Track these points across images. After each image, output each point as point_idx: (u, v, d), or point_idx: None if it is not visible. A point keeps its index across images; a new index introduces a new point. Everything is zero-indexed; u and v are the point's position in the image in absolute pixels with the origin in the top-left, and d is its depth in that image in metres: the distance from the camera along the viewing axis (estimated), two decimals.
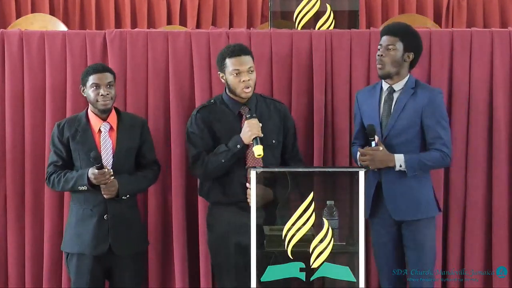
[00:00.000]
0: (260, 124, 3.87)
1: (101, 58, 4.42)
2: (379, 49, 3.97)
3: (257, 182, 3.50)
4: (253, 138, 3.83)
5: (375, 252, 4.11)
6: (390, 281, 4.04)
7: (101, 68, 4.01)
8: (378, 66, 3.95)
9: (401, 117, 3.93)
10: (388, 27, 4.04)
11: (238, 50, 3.94)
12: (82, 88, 4.02)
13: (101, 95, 3.92)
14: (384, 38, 3.96)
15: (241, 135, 3.88)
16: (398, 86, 3.98)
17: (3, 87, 4.44)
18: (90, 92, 3.95)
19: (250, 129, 3.84)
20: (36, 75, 4.43)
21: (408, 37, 3.97)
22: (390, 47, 3.93)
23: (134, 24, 5.92)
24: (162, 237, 4.44)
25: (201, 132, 3.96)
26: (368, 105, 4.03)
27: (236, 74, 3.90)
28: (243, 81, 3.89)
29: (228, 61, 3.92)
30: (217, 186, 3.96)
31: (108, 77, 3.97)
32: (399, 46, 3.93)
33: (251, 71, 3.92)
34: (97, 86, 3.93)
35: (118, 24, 5.91)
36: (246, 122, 3.88)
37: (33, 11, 5.86)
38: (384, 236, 3.98)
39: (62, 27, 5.33)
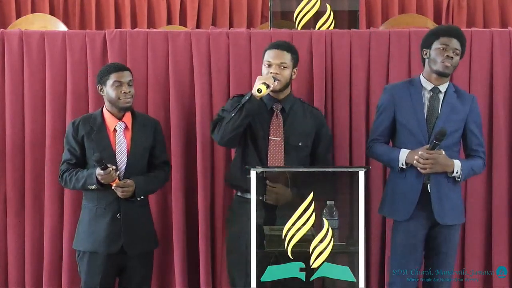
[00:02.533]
0: (273, 79, 3.84)
1: (101, 58, 4.42)
2: (444, 49, 3.84)
3: (279, 181, 3.56)
4: (261, 83, 3.79)
5: (399, 253, 3.95)
6: (409, 282, 3.95)
7: (122, 67, 4.02)
8: (447, 64, 3.84)
9: (450, 119, 3.88)
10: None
11: (276, 44, 3.99)
12: (99, 87, 4.00)
13: (124, 92, 3.92)
14: (452, 40, 3.86)
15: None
16: (443, 87, 3.93)
17: (3, 87, 4.44)
18: (111, 91, 3.94)
19: (259, 78, 3.84)
20: (36, 75, 4.43)
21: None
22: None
23: (134, 24, 5.92)
24: (162, 237, 4.43)
25: (232, 109, 3.92)
26: (409, 103, 3.92)
27: (267, 65, 3.93)
28: (271, 72, 3.90)
29: (266, 53, 3.96)
30: (241, 175, 3.91)
31: (129, 75, 3.98)
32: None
33: (284, 67, 3.92)
34: (119, 84, 3.93)
35: (118, 24, 5.91)
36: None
37: (33, 11, 5.86)
38: (414, 238, 3.90)
39: (62, 27, 5.32)
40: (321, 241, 3.50)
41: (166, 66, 4.44)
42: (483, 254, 4.43)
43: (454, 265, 4.03)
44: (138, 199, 3.94)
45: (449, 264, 3.97)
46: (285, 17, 4.75)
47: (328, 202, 3.56)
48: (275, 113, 3.96)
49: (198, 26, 5.92)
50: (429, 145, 3.80)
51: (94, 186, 3.87)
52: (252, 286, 3.47)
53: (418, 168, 3.81)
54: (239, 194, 4.00)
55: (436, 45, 3.88)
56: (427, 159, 3.78)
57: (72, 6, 5.95)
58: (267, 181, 3.70)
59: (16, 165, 4.44)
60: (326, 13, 4.63)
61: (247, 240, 3.76)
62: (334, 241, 3.51)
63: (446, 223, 3.88)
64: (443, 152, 3.80)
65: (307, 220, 3.50)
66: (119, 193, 3.87)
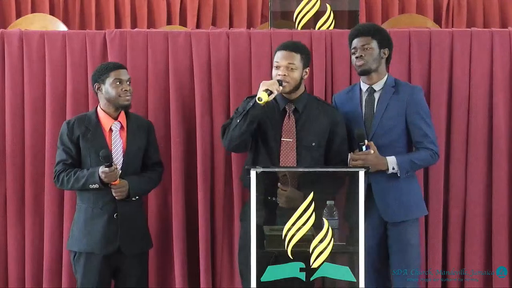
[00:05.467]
0: (277, 83, 3.81)
1: (101, 58, 4.42)
2: (354, 53, 3.93)
3: (290, 184, 3.56)
4: (264, 90, 3.77)
5: None
6: (373, 281, 3.98)
7: (121, 65, 4.03)
8: (358, 63, 3.90)
9: (385, 117, 3.90)
10: (357, 30, 4.00)
11: (284, 45, 3.95)
12: (97, 86, 3.97)
13: (125, 90, 3.92)
14: (356, 40, 3.93)
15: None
16: (378, 86, 3.96)
17: (3, 87, 4.44)
18: (111, 88, 3.92)
19: (263, 83, 3.81)
20: (36, 75, 4.43)
21: (379, 34, 3.96)
22: (365, 46, 3.91)
23: (134, 24, 5.92)
24: (162, 237, 4.44)
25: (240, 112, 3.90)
26: (349, 107, 3.99)
27: (276, 67, 3.90)
28: (279, 75, 3.87)
29: (275, 54, 3.94)
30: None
31: (127, 73, 3.99)
32: (374, 44, 3.92)
33: (292, 69, 3.88)
34: (120, 81, 3.92)
35: (118, 24, 5.91)
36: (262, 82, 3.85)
37: (33, 11, 5.86)
38: (371, 238, 3.87)
39: (62, 27, 5.33)
40: (321, 241, 3.50)
41: (166, 66, 4.44)
42: (483, 254, 4.43)
43: (418, 263, 3.99)
44: (133, 199, 3.94)
45: (409, 262, 3.93)
46: (285, 17, 4.75)
47: (328, 202, 3.56)
48: (287, 114, 3.94)
49: (198, 26, 5.92)
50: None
51: (96, 185, 3.85)
52: (252, 286, 3.47)
53: None
54: None
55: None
56: (356, 161, 3.81)
57: (72, 6, 5.95)
58: (279, 184, 3.68)
59: (16, 165, 4.43)
60: (326, 13, 4.63)
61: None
62: (334, 241, 3.51)
63: (394, 221, 3.89)
64: (372, 152, 3.82)
65: (307, 220, 3.50)
66: (114, 194, 3.87)
